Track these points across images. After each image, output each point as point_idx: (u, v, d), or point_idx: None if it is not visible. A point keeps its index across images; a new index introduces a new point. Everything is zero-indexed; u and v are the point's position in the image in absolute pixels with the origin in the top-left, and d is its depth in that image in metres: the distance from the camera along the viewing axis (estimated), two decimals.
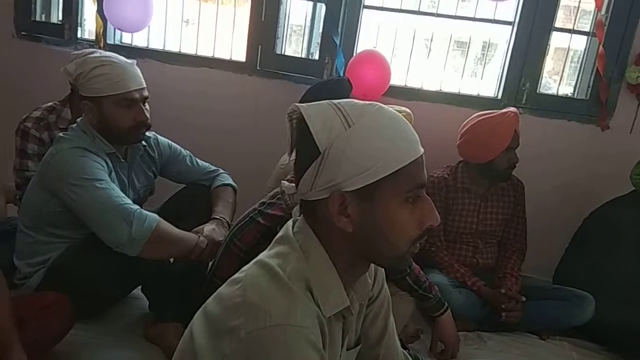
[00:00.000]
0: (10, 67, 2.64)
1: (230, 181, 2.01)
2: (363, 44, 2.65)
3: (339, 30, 2.55)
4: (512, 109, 2.12)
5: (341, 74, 2.49)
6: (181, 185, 2.00)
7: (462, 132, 2.16)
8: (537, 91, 2.53)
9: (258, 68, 2.69)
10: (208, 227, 1.72)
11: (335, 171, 0.77)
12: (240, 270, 0.84)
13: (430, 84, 2.62)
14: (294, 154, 0.85)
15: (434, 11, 2.57)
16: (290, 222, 0.89)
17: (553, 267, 2.37)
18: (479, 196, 2.22)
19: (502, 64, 2.58)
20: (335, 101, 0.82)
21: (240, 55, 2.74)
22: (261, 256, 0.85)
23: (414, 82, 2.64)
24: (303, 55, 2.80)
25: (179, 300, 1.74)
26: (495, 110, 2.14)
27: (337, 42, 2.52)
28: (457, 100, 2.56)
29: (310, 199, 0.82)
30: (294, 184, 0.88)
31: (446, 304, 1.84)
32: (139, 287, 1.87)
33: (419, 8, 2.58)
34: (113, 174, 1.70)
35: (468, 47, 2.63)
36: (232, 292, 0.79)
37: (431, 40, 2.59)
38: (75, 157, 1.58)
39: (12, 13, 2.83)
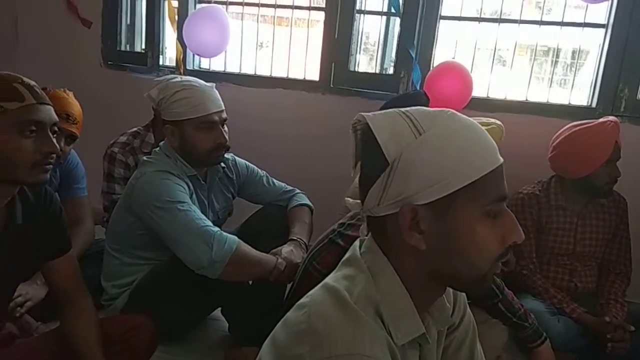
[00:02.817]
0: (98, 95, 2.78)
1: (306, 201, 1.98)
2: (440, 56, 2.56)
3: (415, 43, 2.48)
4: (611, 117, 1.93)
5: (417, 88, 2.41)
6: (258, 206, 2.00)
7: (555, 144, 2.00)
8: (638, 97, 2.31)
9: (332, 86, 2.67)
10: (286, 249, 1.68)
11: (406, 183, 0.71)
12: (306, 294, 0.80)
13: (514, 95, 2.47)
14: (358, 167, 0.80)
15: (516, 18, 2.43)
16: (357, 242, 0.83)
17: None
18: (575, 214, 2.03)
19: (595, 69, 2.38)
20: (404, 109, 0.76)
21: (313, 74, 2.73)
22: (328, 279, 0.80)
23: (496, 93, 2.50)
24: (377, 71, 2.75)
25: (258, 323, 1.71)
26: (592, 120, 1.96)
27: (413, 56, 2.44)
28: (546, 111, 2.39)
29: (378, 215, 0.75)
30: (358, 201, 0.82)
31: (544, 334, 1.69)
32: (219, 308, 1.87)
33: (500, 15, 2.45)
34: (194, 196, 1.71)
35: (556, 54, 2.46)
36: (297, 317, 0.75)
37: (514, 49, 2.45)
38: (158, 180, 1.61)
39: (100, 44, 3.01)
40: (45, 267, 1.34)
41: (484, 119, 2.04)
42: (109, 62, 3.02)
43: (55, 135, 1.16)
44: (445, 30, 2.56)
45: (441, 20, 2.51)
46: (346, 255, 0.83)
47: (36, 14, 3.07)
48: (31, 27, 3.09)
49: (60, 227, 1.34)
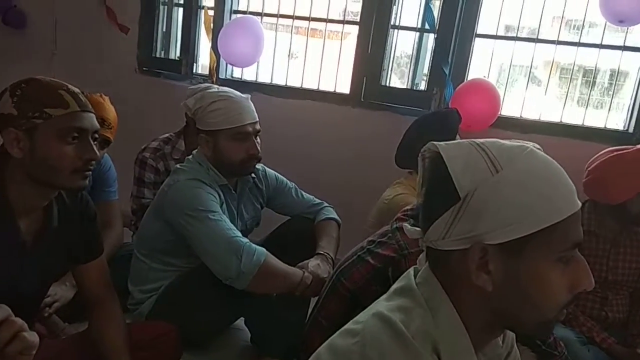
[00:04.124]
0: (132, 100, 2.82)
1: (334, 215, 1.97)
2: (474, 74, 2.54)
3: (449, 60, 2.46)
4: None
5: (450, 105, 2.39)
6: (285, 217, 2.00)
7: (590, 169, 1.95)
8: None
9: (362, 100, 2.67)
10: (313, 263, 1.68)
11: (478, 220, 0.68)
12: (355, 320, 0.77)
13: (548, 116, 2.43)
14: (422, 195, 0.77)
15: (553, 38, 2.40)
16: (411, 271, 0.81)
17: None
18: (608, 241, 1.98)
19: (633, 93, 2.33)
20: (478, 141, 0.74)
21: (344, 87, 2.73)
22: (381, 308, 0.76)
23: (530, 114, 2.46)
24: (408, 86, 2.74)
25: (281, 335, 1.70)
26: (630, 146, 1.91)
27: (447, 73, 2.43)
28: (581, 134, 2.34)
29: (442, 248, 0.73)
30: (418, 229, 0.80)
31: None
32: (242, 318, 1.87)
33: (537, 35, 2.42)
34: (224, 205, 1.72)
35: (594, 76, 2.41)
36: (348, 345, 0.72)
37: (550, 70, 2.42)
38: (190, 188, 1.62)
39: (136, 50, 3.07)
40: (77, 270, 1.36)
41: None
42: (144, 68, 3.07)
43: (95, 142, 1.18)
44: (479, 48, 2.54)
45: (476, 38, 2.50)
46: (399, 284, 0.80)
47: (75, 18, 3.14)
48: (70, 32, 3.16)
49: (94, 232, 1.36)
